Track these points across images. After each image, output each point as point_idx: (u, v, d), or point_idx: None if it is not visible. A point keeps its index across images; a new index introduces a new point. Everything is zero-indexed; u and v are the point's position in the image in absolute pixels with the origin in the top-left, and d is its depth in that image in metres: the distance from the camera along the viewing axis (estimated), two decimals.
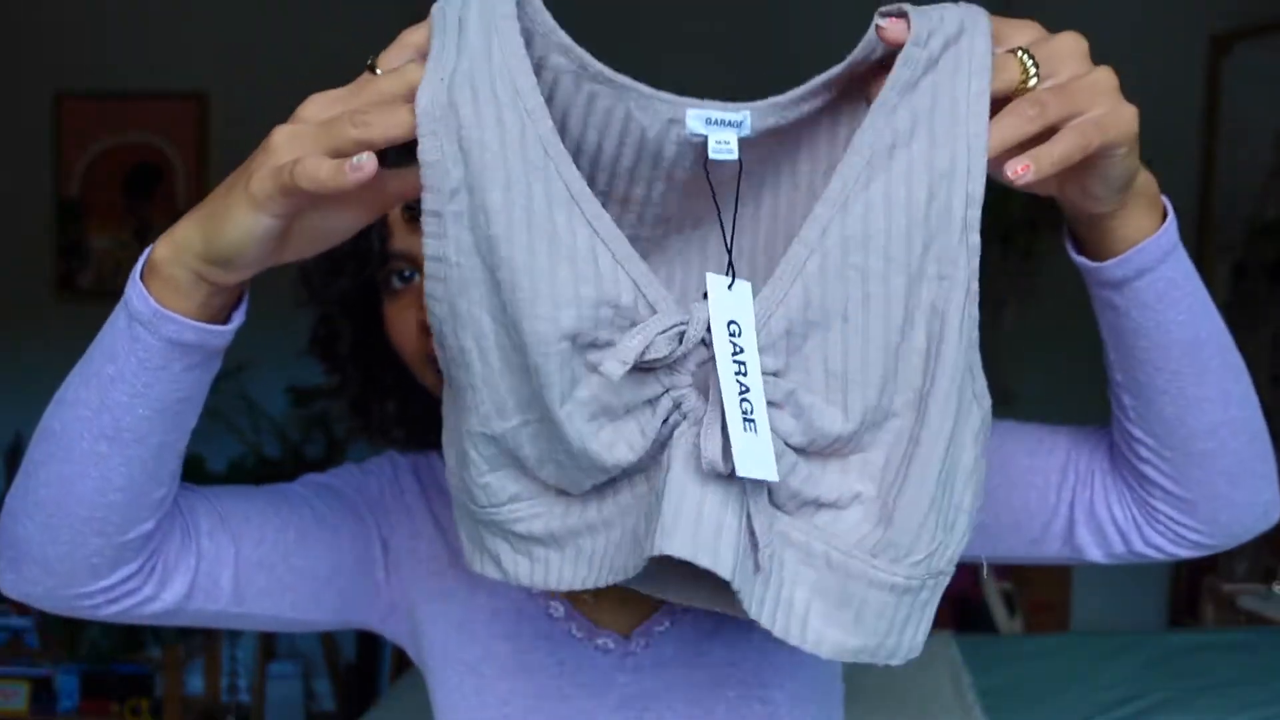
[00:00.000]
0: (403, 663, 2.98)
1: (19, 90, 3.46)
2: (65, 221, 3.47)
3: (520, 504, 0.65)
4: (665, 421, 0.61)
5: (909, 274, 0.61)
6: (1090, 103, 0.60)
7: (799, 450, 0.63)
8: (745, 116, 0.61)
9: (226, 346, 0.65)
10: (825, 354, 0.62)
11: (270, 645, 3.31)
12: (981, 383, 0.65)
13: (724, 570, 0.58)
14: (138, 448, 0.65)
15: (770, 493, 0.62)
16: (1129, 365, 0.70)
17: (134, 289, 0.62)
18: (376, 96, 0.58)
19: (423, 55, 0.58)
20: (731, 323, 0.60)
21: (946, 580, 0.66)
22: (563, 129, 0.60)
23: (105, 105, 3.43)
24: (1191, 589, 3.25)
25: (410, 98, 0.57)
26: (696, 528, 0.59)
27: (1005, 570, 3.15)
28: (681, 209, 0.65)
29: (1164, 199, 0.67)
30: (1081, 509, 0.78)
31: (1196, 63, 3.31)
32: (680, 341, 0.60)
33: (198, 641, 3.11)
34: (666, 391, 0.61)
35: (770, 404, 0.61)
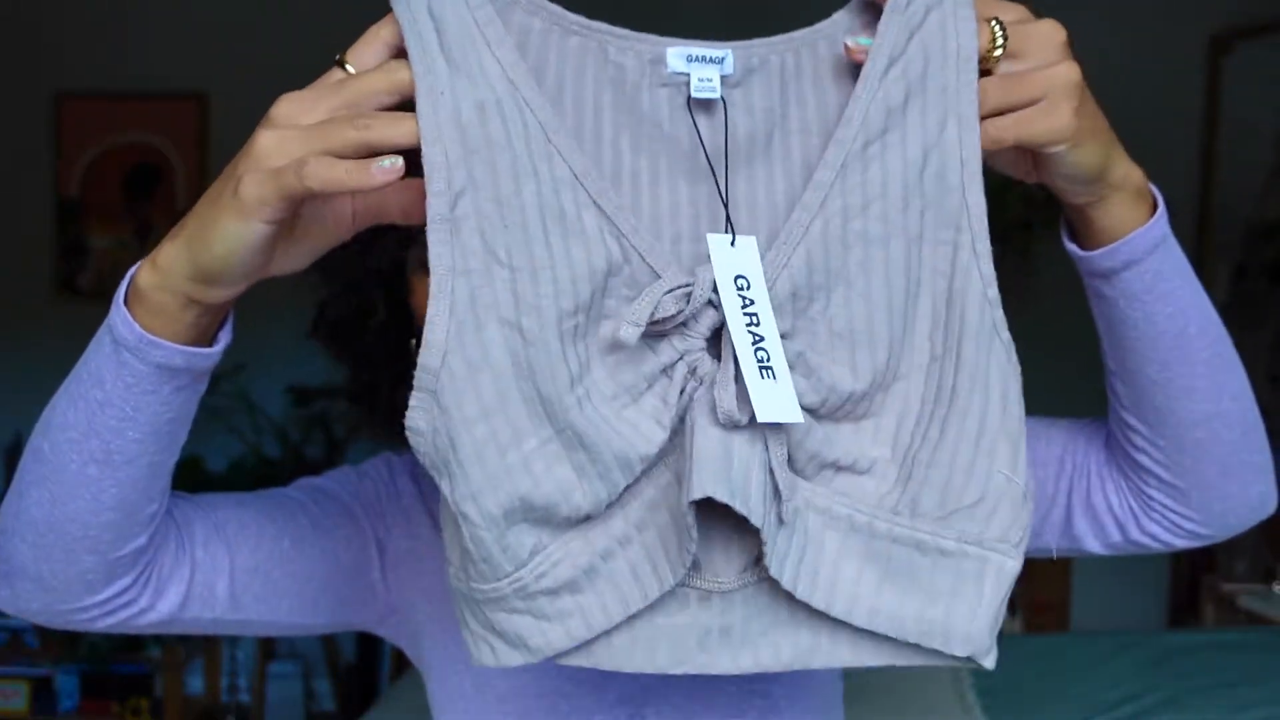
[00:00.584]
0: (402, 663, 2.98)
1: (19, 90, 3.46)
2: (65, 221, 3.47)
3: (541, 554, 0.62)
4: (683, 392, 0.61)
5: (907, 238, 0.62)
6: (1031, 97, 0.61)
7: (812, 411, 0.63)
8: (727, 54, 0.61)
9: (215, 366, 0.65)
10: (830, 316, 0.63)
11: (270, 645, 3.31)
12: (1010, 344, 0.64)
13: (755, 517, 0.58)
14: (128, 469, 0.65)
15: (789, 457, 0.63)
16: (1120, 354, 0.72)
17: (118, 314, 0.61)
18: (361, 96, 0.57)
19: (394, 49, 0.58)
20: (739, 277, 0.60)
21: (1007, 563, 0.63)
22: (542, 90, 0.60)
23: (105, 105, 3.43)
24: (1191, 589, 3.25)
25: (395, 97, 0.57)
26: (729, 472, 0.58)
27: None
28: (674, 168, 0.64)
29: (1155, 192, 0.68)
30: (1079, 499, 0.79)
31: (1196, 63, 3.31)
32: (688, 301, 0.60)
33: (198, 642, 3.11)
34: (681, 357, 0.61)
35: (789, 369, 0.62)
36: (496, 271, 0.58)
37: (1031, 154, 0.65)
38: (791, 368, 0.62)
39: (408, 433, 0.60)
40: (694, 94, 0.61)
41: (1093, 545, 0.80)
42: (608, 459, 0.60)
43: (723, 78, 0.61)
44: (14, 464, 3.38)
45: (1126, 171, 0.66)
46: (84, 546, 0.66)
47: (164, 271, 0.60)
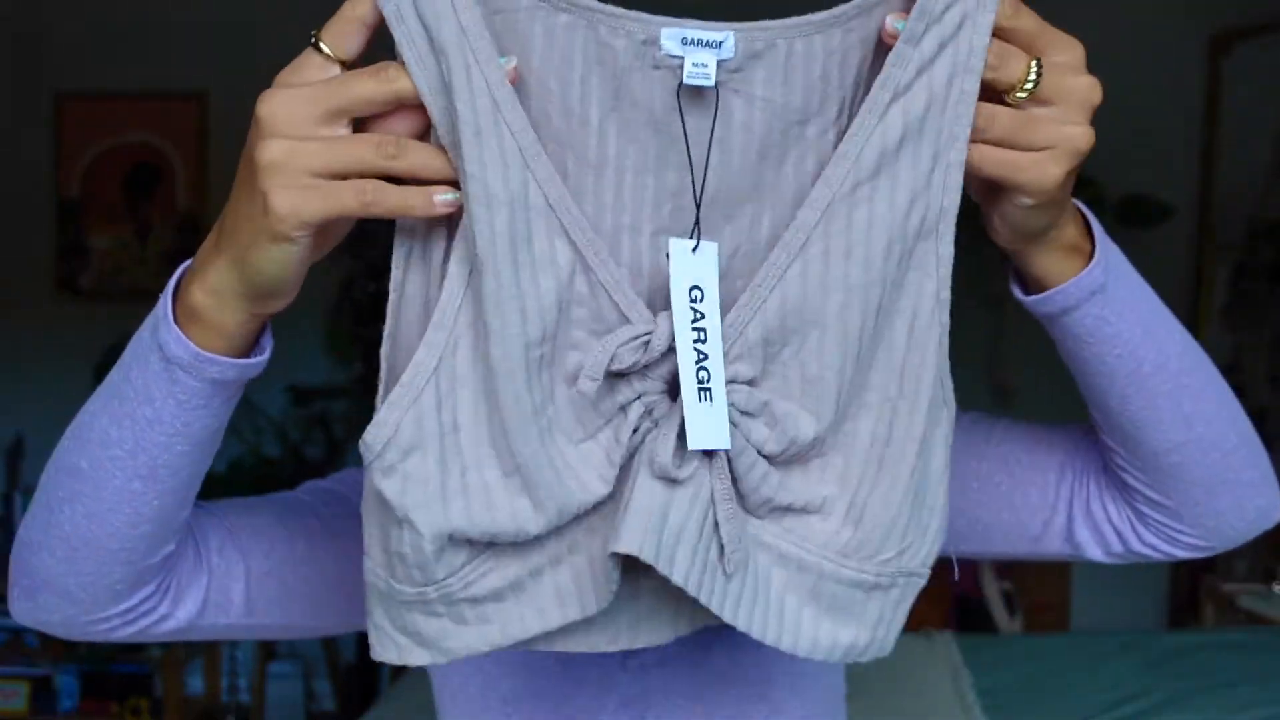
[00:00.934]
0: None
1: (19, 90, 3.46)
2: (65, 221, 3.47)
3: (471, 564, 0.62)
4: (635, 430, 0.61)
5: (885, 284, 0.61)
6: (1035, 144, 0.60)
7: (769, 458, 0.63)
8: (727, 36, 0.57)
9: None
10: (801, 361, 0.62)
11: (270, 645, 3.31)
12: (949, 388, 0.65)
13: (677, 575, 0.59)
14: (171, 481, 0.65)
15: (741, 499, 0.63)
16: (1082, 387, 0.73)
17: (169, 334, 0.60)
18: (358, 104, 0.56)
19: (371, 29, 0.56)
20: (694, 287, 0.58)
21: (921, 583, 0.67)
22: (526, 75, 0.57)
23: (105, 105, 3.43)
24: (1191, 589, 3.25)
25: (393, 106, 0.56)
26: (658, 530, 0.58)
27: (1005, 570, 3.15)
28: (662, 158, 0.60)
29: (1099, 240, 0.67)
30: (1079, 507, 0.79)
31: (1196, 63, 3.31)
32: (646, 350, 0.59)
33: (198, 641, 3.11)
34: (639, 397, 0.61)
35: (745, 413, 0.61)
36: (472, 301, 0.58)
37: (988, 185, 0.64)
38: (756, 416, 0.61)
39: (368, 428, 0.59)
40: (686, 80, 0.57)
41: (1095, 553, 0.80)
42: (561, 498, 0.60)
43: (721, 63, 0.57)
44: (14, 464, 3.38)
45: (1061, 229, 0.65)
46: (119, 559, 0.66)
47: (219, 291, 0.59)
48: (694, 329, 0.58)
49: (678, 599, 0.64)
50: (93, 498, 0.64)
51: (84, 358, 3.26)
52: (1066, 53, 0.60)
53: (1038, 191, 0.60)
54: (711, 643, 0.85)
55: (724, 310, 0.60)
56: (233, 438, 3.13)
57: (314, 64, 0.56)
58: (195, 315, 0.60)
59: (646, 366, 0.60)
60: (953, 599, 3.13)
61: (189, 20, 3.41)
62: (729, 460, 0.61)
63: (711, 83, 0.57)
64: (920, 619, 2.65)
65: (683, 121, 0.58)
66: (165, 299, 0.61)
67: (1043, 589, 3.23)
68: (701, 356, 0.58)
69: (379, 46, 0.57)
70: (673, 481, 0.60)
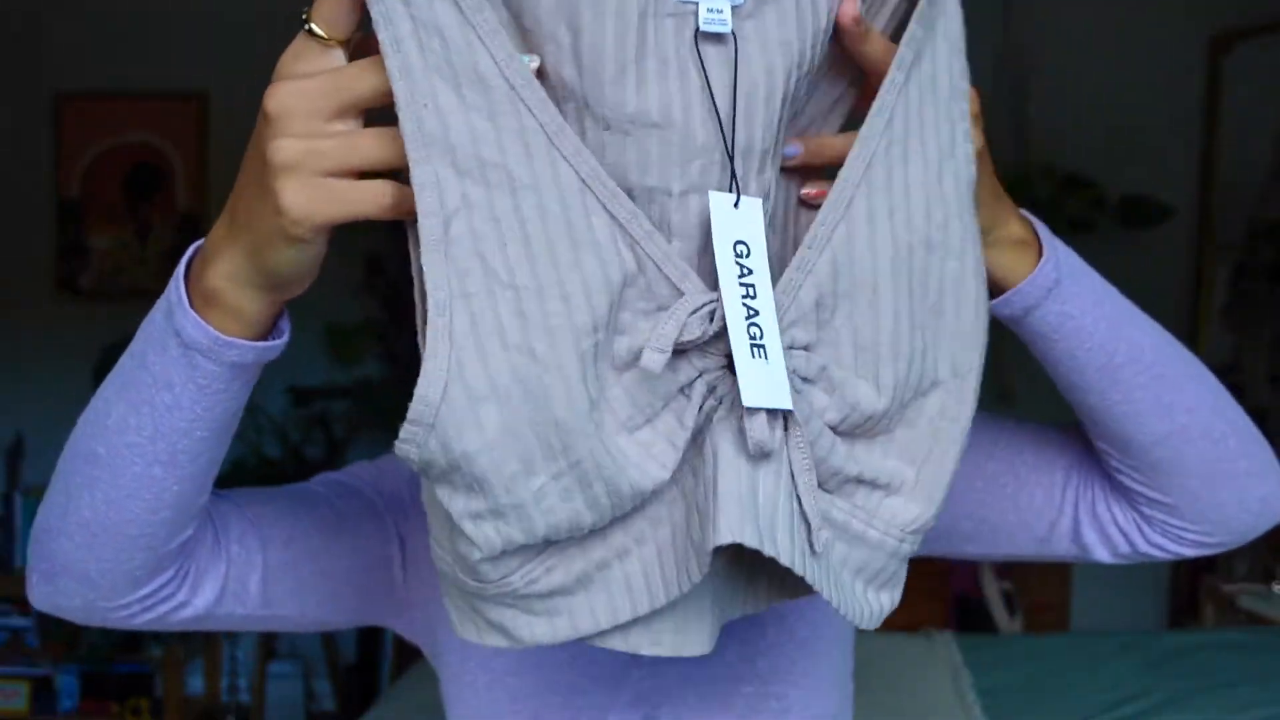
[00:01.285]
0: (403, 663, 2.98)
1: (19, 90, 3.46)
2: (65, 221, 3.46)
3: (533, 564, 0.59)
4: (700, 410, 0.58)
5: (929, 246, 0.61)
6: None
7: (832, 428, 0.61)
8: None
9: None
10: (855, 326, 0.60)
11: (270, 645, 3.31)
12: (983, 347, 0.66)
13: (784, 557, 0.56)
14: (191, 467, 0.64)
15: (815, 475, 0.61)
16: (1060, 387, 0.73)
17: (186, 319, 0.59)
18: (358, 100, 0.54)
19: (358, 3, 0.53)
20: (739, 243, 0.56)
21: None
22: (535, 28, 0.55)
23: (105, 105, 3.43)
24: (1191, 589, 3.25)
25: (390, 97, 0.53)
26: (755, 510, 0.56)
27: (1005, 570, 3.15)
28: (687, 108, 0.57)
29: (1044, 236, 0.69)
30: (1085, 509, 0.79)
31: (1196, 63, 3.31)
32: (711, 320, 0.57)
33: (198, 642, 3.11)
34: (700, 375, 0.58)
35: (806, 379, 0.60)
36: (500, 293, 0.53)
37: None
38: (814, 381, 0.60)
39: (399, 456, 0.56)
40: (702, 27, 0.54)
41: (1102, 555, 0.80)
42: (624, 491, 0.57)
43: (734, 8, 0.55)
44: (15, 464, 3.38)
45: (1005, 227, 0.67)
46: (138, 545, 0.66)
47: (237, 280, 0.58)
48: (741, 284, 0.55)
49: (720, 598, 0.64)
50: (111, 484, 0.64)
51: (84, 358, 3.26)
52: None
53: None
54: (723, 639, 0.85)
55: (774, 272, 0.58)
56: (234, 438, 3.13)
57: (312, 50, 0.54)
58: (212, 300, 0.58)
59: (705, 344, 0.58)
60: (953, 599, 3.13)
61: (189, 20, 3.40)
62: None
63: (728, 28, 0.55)
64: (920, 619, 2.65)
65: (704, 71, 0.55)
66: (178, 283, 0.60)
67: (1043, 589, 3.23)
68: (751, 313, 0.55)
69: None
70: (759, 458, 0.57)
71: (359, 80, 0.53)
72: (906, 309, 0.61)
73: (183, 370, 0.60)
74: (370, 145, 0.54)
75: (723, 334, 0.57)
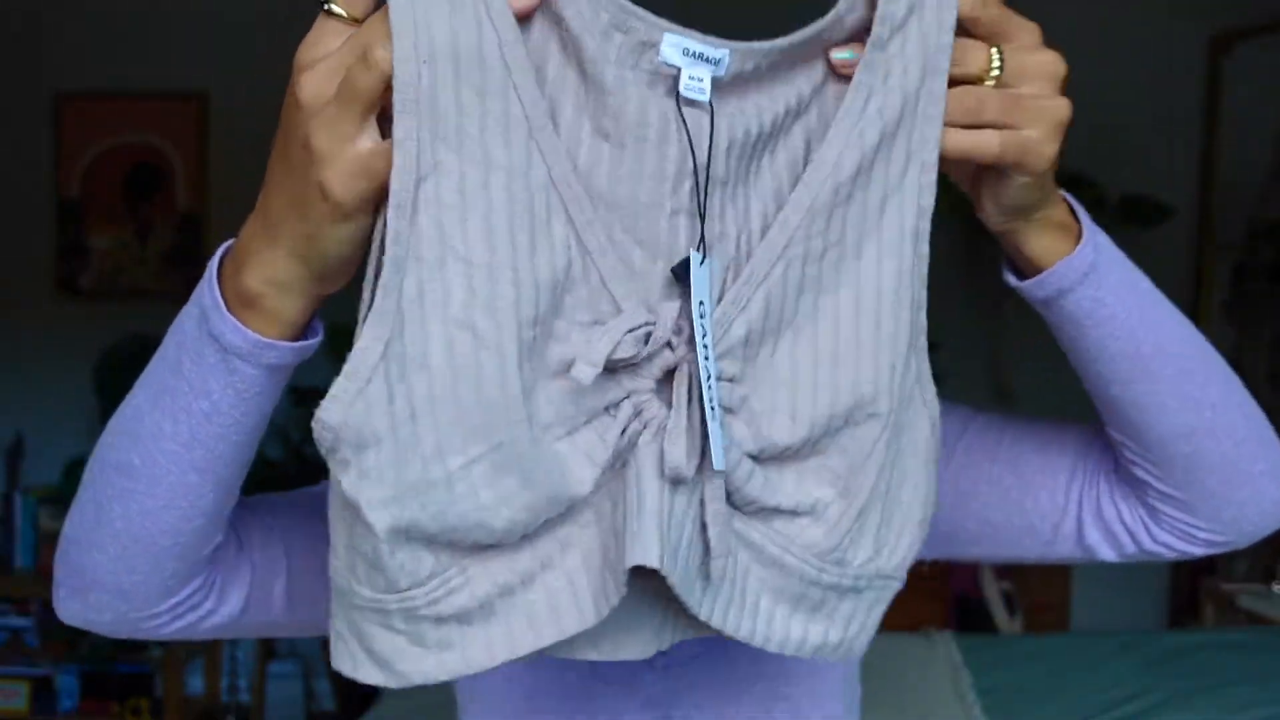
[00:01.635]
0: None
1: (19, 90, 3.46)
2: (65, 221, 3.46)
3: (439, 578, 0.58)
4: (624, 432, 0.59)
5: (859, 286, 0.61)
6: (1026, 122, 0.61)
7: (751, 458, 0.62)
8: (724, 55, 0.56)
9: None
10: (775, 362, 0.62)
11: (270, 645, 3.31)
12: (931, 391, 0.66)
13: (682, 589, 0.58)
14: (225, 471, 0.64)
15: (729, 497, 0.62)
16: (1084, 376, 0.72)
17: (225, 324, 0.58)
18: (381, 76, 0.53)
19: None
20: (701, 303, 0.57)
21: (896, 585, 0.68)
22: (550, 31, 0.55)
23: (105, 105, 3.43)
24: (1191, 589, 3.25)
25: None
26: (667, 534, 0.57)
27: (1005, 570, 3.15)
28: (656, 167, 0.58)
29: (1085, 221, 0.68)
30: (1090, 509, 0.78)
31: (1196, 63, 3.31)
32: (646, 342, 0.58)
33: (198, 641, 3.11)
34: (628, 396, 0.59)
35: (728, 409, 0.61)
36: (452, 265, 0.54)
37: (979, 169, 0.65)
38: (734, 412, 0.61)
39: (314, 424, 0.55)
40: (683, 93, 0.56)
41: (1107, 554, 0.79)
42: (540, 489, 0.57)
43: (714, 79, 0.57)
44: (14, 464, 3.37)
45: (1051, 207, 0.66)
46: (172, 554, 0.66)
47: (283, 283, 0.58)
48: (703, 344, 0.57)
49: (660, 609, 0.64)
50: (147, 494, 0.64)
51: (84, 358, 3.26)
52: (1024, 35, 0.61)
53: (1036, 168, 0.61)
54: (735, 644, 0.85)
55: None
56: None
57: (332, 31, 0.54)
58: (251, 303, 0.58)
59: (636, 365, 0.59)
60: (953, 599, 3.13)
61: (189, 20, 3.41)
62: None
63: (706, 98, 0.56)
64: (920, 619, 2.65)
65: (688, 135, 0.57)
66: (212, 287, 0.59)
67: (1043, 589, 3.23)
68: (708, 375, 0.57)
69: None
70: (677, 483, 0.58)
71: (374, 63, 0.53)
72: (830, 347, 0.62)
73: (221, 376, 0.60)
74: (366, 83, 0.53)
75: (653, 359, 0.58)
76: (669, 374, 0.59)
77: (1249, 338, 3.18)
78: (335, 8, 0.54)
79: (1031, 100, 0.61)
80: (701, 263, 0.57)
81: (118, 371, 3.20)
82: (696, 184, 0.58)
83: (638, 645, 0.64)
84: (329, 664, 3.28)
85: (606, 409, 0.59)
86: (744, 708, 0.84)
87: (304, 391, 3.21)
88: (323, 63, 0.54)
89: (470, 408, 0.55)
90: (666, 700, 0.84)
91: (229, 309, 0.59)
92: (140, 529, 0.64)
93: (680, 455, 0.57)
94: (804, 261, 0.60)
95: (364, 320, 0.55)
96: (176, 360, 0.61)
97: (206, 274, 0.60)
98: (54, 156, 3.46)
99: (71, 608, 0.69)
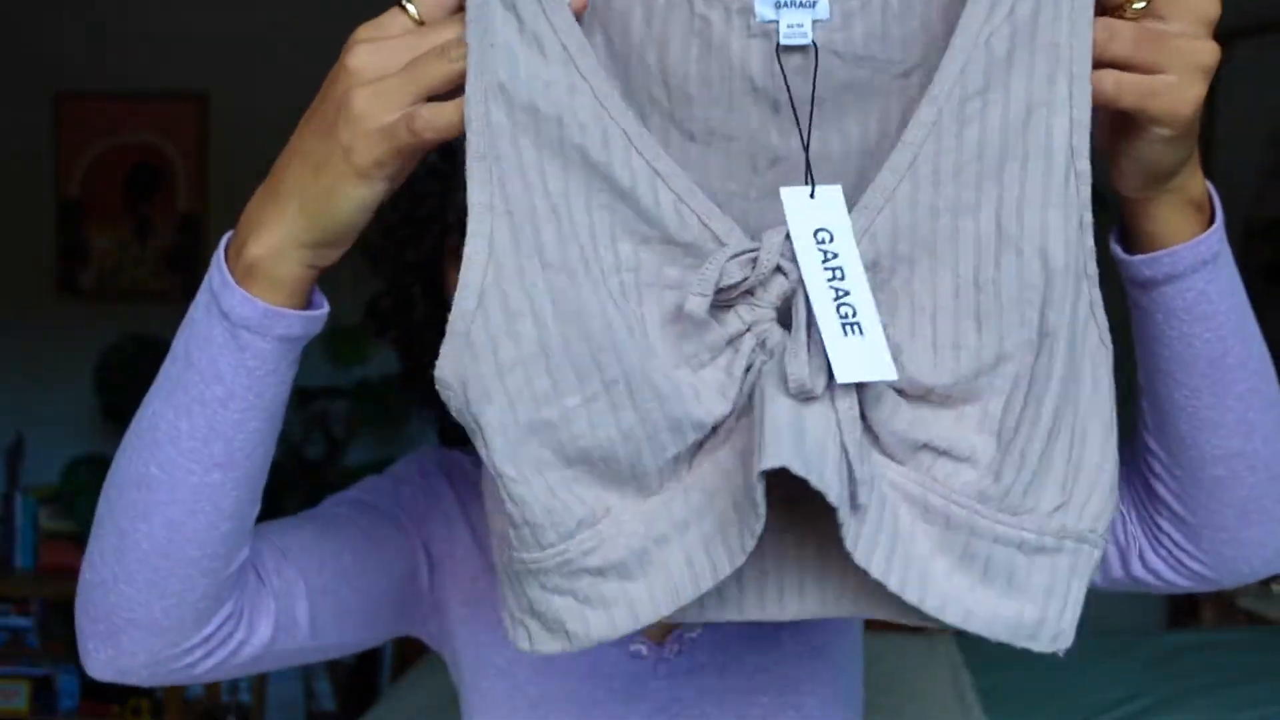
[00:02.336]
0: (403, 663, 2.98)
1: (19, 90, 3.46)
2: (65, 221, 3.46)
3: (590, 530, 0.58)
4: (749, 367, 0.57)
5: (1001, 205, 0.57)
6: (1166, 64, 0.55)
7: (898, 391, 0.59)
8: None
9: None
10: (913, 290, 0.58)
11: None
12: (1104, 326, 0.60)
13: (831, 494, 0.53)
14: (247, 465, 0.63)
15: (877, 440, 0.59)
16: (1150, 372, 0.68)
17: (234, 296, 0.59)
18: (451, 69, 0.57)
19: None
20: (820, 230, 0.56)
21: (1095, 554, 0.61)
22: (626, 51, 0.58)
23: (105, 105, 3.43)
24: None
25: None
26: (802, 444, 0.54)
27: None
28: (765, 122, 0.59)
29: (1217, 209, 0.64)
30: None
31: None
32: (754, 266, 0.57)
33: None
34: (749, 328, 0.58)
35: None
36: (543, 212, 0.56)
37: (1118, 122, 0.59)
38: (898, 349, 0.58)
39: (438, 385, 0.58)
40: (782, 40, 0.56)
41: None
42: (657, 419, 0.57)
43: (818, 22, 0.56)
44: (14, 464, 3.37)
45: (1191, 178, 0.61)
46: (201, 568, 0.64)
47: (280, 244, 0.59)
48: (827, 268, 0.56)
49: (798, 571, 0.61)
50: (170, 503, 0.62)
51: (84, 358, 3.26)
52: None
53: (1174, 119, 0.56)
54: (742, 650, 0.85)
55: None
56: None
57: (397, 22, 0.58)
58: (253, 273, 0.60)
59: (752, 293, 0.58)
60: None
61: (189, 21, 3.41)
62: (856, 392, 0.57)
63: (809, 40, 0.56)
64: None
65: (785, 79, 0.57)
66: (219, 266, 0.61)
67: None
68: (841, 294, 0.55)
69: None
70: (805, 399, 0.56)
71: (432, 37, 0.57)
72: (970, 272, 0.58)
73: (232, 355, 0.60)
74: (425, 68, 0.56)
75: (769, 286, 0.57)
76: (790, 301, 0.58)
77: None
78: (410, 7, 0.57)
79: (1174, 39, 0.55)
80: (813, 195, 0.57)
81: (118, 371, 3.20)
82: (797, 120, 0.58)
83: (773, 605, 0.62)
84: (329, 664, 3.28)
85: (729, 343, 0.58)
86: (751, 715, 0.84)
87: (303, 391, 3.22)
88: (383, 41, 0.57)
89: (579, 349, 0.56)
90: (672, 707, 0.84)
91: (237, 283, 0.60)
92: (168, 545, 0.63)
93: (802, 369, 0.55)
94: (935, 181, 0.57)
95: (460, 277, 0.57)
96: (186, 353, 0.62)
97: (214, 258, 0.61)
98: (54, 156, 3.46)
99: (101, 657, 0.66)
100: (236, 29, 3.38)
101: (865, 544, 0.57)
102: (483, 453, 0.58)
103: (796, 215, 0.57)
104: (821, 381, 0.56)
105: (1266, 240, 3.19)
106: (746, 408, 0.58)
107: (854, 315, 0.55)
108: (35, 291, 3.47)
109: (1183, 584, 0.73)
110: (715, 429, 0.58)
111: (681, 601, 0.59)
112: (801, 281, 0.56)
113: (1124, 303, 0.67)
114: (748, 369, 0.58)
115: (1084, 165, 0.57)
